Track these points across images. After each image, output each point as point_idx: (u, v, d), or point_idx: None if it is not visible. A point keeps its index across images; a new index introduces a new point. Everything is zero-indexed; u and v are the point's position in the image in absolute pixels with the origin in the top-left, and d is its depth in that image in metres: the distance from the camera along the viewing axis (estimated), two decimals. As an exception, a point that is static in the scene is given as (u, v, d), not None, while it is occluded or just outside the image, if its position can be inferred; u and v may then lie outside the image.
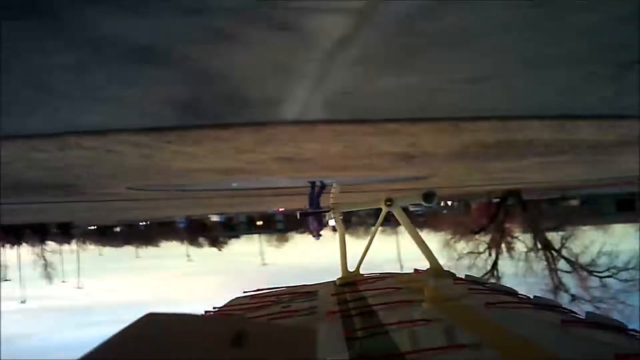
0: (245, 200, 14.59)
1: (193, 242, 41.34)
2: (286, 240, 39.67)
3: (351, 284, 4.97)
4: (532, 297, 4.01)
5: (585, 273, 16.47)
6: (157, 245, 41.87)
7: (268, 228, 41.41)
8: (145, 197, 9.18)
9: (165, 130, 2.68)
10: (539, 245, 17.74)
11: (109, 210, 16.43)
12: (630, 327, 3.01)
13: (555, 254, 17.27)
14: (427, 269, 5.29)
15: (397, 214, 5.37)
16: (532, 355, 2.44)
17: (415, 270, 5.65)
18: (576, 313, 3.57)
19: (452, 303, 3.76)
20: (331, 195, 6.23)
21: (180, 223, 40.62)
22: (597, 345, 2.55)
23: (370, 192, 9.75)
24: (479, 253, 18.50)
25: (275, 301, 4.38)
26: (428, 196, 5.02)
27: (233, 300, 4.71)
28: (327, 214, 6.14)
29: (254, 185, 8.33)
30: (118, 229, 43.96)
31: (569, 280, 16.61)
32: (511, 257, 18.23)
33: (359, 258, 5.56)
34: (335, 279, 5.28)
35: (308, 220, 6.56)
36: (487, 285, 4.63)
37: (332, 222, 6.13)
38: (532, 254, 17.73)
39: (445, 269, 5.24)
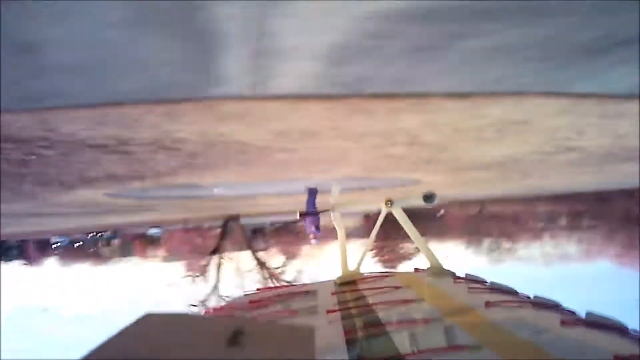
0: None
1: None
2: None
3: (351, 282, 4.97)
4: (532, 296, 4.00)
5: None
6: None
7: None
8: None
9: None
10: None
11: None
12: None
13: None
14: (427, 267, 5.29)
15: (397, 214, 5.36)
16: (531, 355, 2.44)
17: (415, 269, 5.65)
18: (576, 313, 3.56)
19: (451, 302, 3.76)
20: (331, 195, 6.22)
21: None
22: (596, 345, 2.55)
23: (371, 193, 9.74)
24: (196, 276, 20.11)
25: (275, 300, 4.38)
26: (428, 197, 5.02)
27: (233, 299, 4.70)
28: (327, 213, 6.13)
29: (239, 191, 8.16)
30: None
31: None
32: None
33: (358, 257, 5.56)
34: (335, 278, 5.27)
35: (305, 223, 6.53)
36: (487, 284, 4.62)
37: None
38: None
39: (446, 267, 5.24)
